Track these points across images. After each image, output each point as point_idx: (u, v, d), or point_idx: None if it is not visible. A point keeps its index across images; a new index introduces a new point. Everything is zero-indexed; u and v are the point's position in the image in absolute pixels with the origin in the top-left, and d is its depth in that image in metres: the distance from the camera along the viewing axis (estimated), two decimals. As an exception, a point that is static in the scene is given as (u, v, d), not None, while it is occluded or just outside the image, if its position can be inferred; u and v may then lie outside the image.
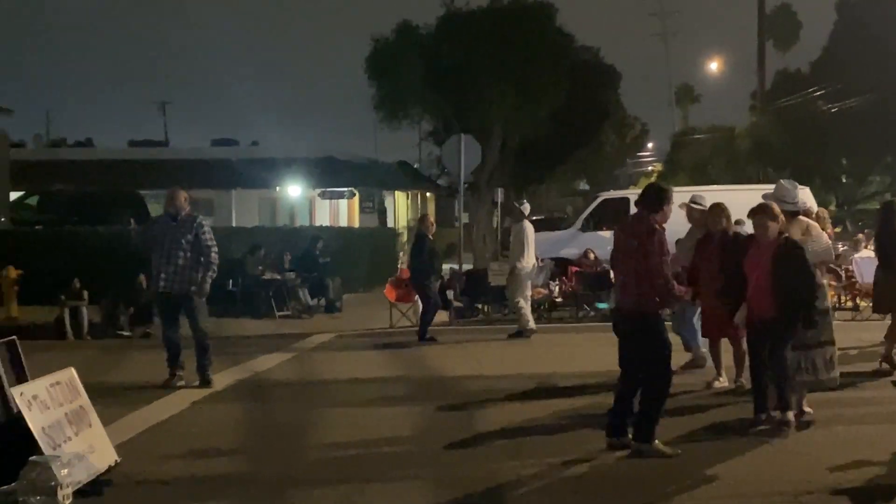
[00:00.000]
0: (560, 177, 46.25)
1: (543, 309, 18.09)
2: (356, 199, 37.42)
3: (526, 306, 15.37)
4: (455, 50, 28.31)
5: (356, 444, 8.44)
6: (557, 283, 19.13)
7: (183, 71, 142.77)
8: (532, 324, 15.31)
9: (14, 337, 9.16)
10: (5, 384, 8.43)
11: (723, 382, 10.31)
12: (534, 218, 15.55)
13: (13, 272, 17.01)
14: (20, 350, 9.08)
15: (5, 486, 6.56)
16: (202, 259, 10.93)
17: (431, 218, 16.50)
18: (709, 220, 10.19)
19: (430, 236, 15.38)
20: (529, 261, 15.31)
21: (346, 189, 36.54)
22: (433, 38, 30.13)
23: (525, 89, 28.43)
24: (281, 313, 18.72)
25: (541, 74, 28.76)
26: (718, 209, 10.13)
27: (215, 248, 11.04)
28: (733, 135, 44.86)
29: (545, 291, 18.56)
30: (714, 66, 64.21)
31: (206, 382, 10.98)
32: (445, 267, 19.18)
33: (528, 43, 28.50)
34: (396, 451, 8.18)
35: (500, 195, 34.65)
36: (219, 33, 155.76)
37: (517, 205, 16.16)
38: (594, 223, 22.73)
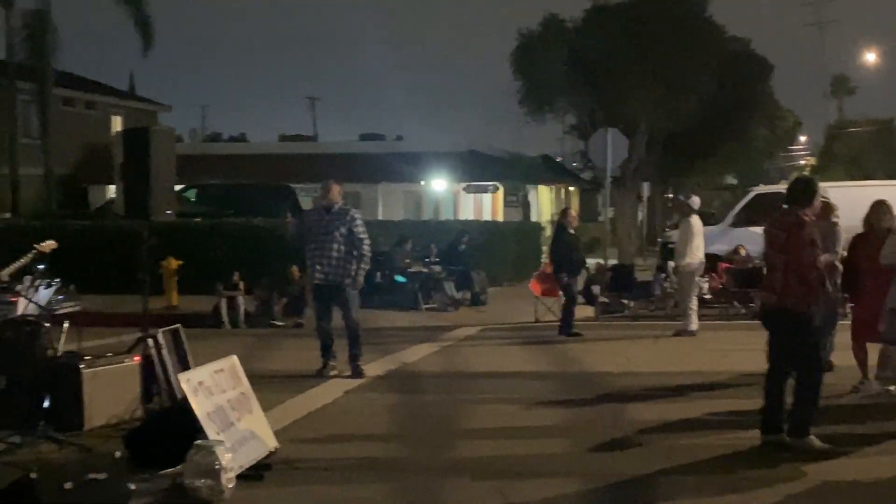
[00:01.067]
0: (707, 170, 45.32)
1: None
2: (500, 192, 37.54)
3: (694, 306, 15.03)
4: (602, 43, 28.06)
5: (504, 437, 8.50)
6: (707, 279, 18.78)
7: (332, 67, 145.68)
8: (695, 325, 14.92)
9: (179, 325, 9.59)
10: (171, 370, 8.84)
11: (875, 386, 9.90)
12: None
13: (174, 262, 17.69)
14: (183, 337, 9.50)
15: (171, 469, 6.86)
16: (355, 251, 11.15)
17: (574, 212, 16.37)
18: (872, 217, 9.86)
19: (572, 230, 15.31)
20: (696, 256, 14.95)
21: (490, 183, 36.70)
22: (580, 31, 29.96)
23: (673, 81, 27.99)
24: (427, 306, 18.94)
25: (689, 66, 28.26)
26: (884, 206, 9.81)
27: (367, 241, 11.25)
28: (891, 127, 43.17)
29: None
30: (871, 56, 61.88)
31: (357, 373, 11.21)
32: (591, 261, 19.06)
33: (676, 35, 28.05)
34: (544, 445, 8.19)
35: (646, 189, 34.25)
36: (366, 29, 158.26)
37: (683, 199, 15.85)
38: (746, 218, 22.20)
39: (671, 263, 18.50)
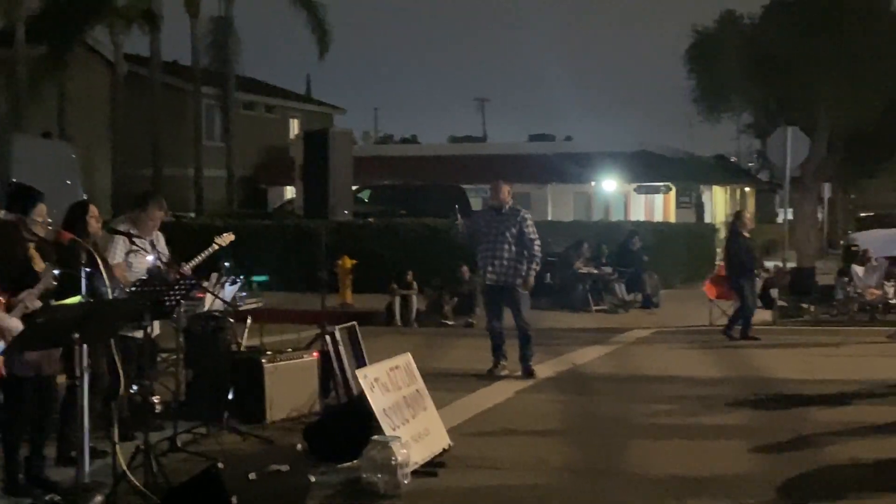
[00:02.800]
0: (893, 172, 43.29)
1: (878, 311, 17.08)
2: (672, 193, 36.89)
3: None
4: (781, 38, 27.16)
5: (676, 440, 8.34)
6: (893, 283, 17.95)
7: (501, 68, 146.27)
8: None
9: (354, 322, 9.80)
10: (347, 366, 9.03)
11: None
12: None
13: (348, 262, 18.10)
14: (359, 335, 9.71)
15: (349, 463, 7.01)
16: (525, 252, 11.14)
17: (748, 214, 15.89)
18: None
19: (746, 233, 14.89)
20: None
21: (661, 184, 36.11)
22: (758, 26, 29.11)
23: (857, 78, 26.85)
24: (597, 307, 18.78)
25: (873, 61, 27.05)
26: None
27: (538, 241, 11.23)
28: None
29: (879, 292, 17.48)
30: None
31: (528, 373, 11.20)
32: (769, 264, 18.49)
33: (860, 29, 26.90)
34: (718, 450, 7.99)
35: (826, 190, 33.00)
36: (536, 29, 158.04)
37: None
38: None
39: (856, 267, 17.79)
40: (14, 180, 12.87)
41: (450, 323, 16.82)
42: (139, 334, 7.12)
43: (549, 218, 32.12)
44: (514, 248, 11.14)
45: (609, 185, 36.52)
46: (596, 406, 10.03)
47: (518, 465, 7.51)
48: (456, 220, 11.66)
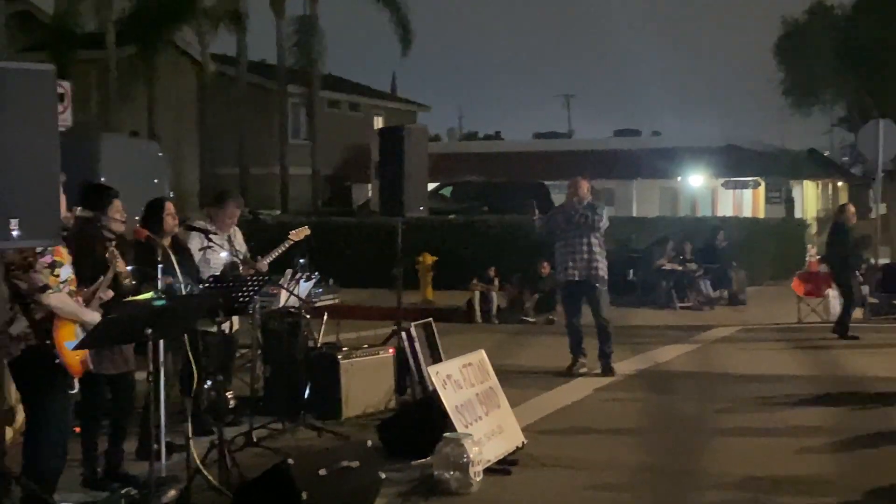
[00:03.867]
0: None
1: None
2: (761, 188, 36.20)
3: None
4: (874, 30, 26.46)
5: (759, 441, 8.16)
6: None
7: (587, 63, 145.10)
8: None
9: (430, 319, 9.78)
10: (422, 363, 9.02)
11: None
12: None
13: (429, 258, 18.10)
14: (435, 331, 9.68)
15: (421, 460, 6.99)
16: (602, 248, 11.01)
17: (853, 208, 15.43)
18: None
19: (850, 227, 14.49)
20: None
21: (750, 178, 35.45)
22: (850, 17, 28.41)
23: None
24: (681, 304, 18.48)
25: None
26: None
27: (604, 220, 11.11)
28: None
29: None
30: None
31: (608, 370, 11.06)
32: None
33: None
34: (802, 452, 7.78)
35: (921, 184, 31.99)
36: (621, 24, 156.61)
37: None
38: None
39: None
40: (97, 179, 13.10)
41: (530, 320, 16.71)
42: (226, 327, 7.24)
43: (634, 214, 31.76)
44: (593, 244, 11.02)
45: (696, 180, 35.98)
46: (675, 405, 9.86)
47: (593, 464, 7.41)
48: (533, 217, 11.57)
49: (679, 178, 36.33)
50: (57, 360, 5.68)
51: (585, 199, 11.20)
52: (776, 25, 29.40)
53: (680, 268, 19.07)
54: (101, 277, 6.17)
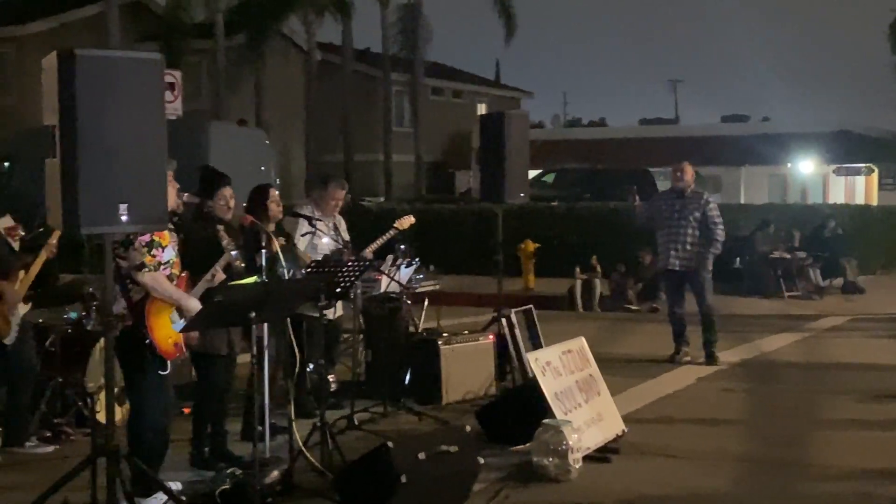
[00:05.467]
0: None
1: None
2: (874, 175, 35.15)
3: None
4: None
5: (867, 434, 7.93)
6: None
7: (695, 48, 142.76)
8: None
9: (531, 306, 9.76)
10: (522, 350, 9.01)
11: None
12: None
13: (531, 245, 18.05)
14: (536, 318, 9.66)
15: (520, 446, 6.99)
16: (708, 236, 10.82)
17: None
18: None
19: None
20: None
21: (863, 165, 34.46)
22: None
23: None
24: (789, 293, 18.07)
25: None
26: None
27: (722, 226, 10.89)
28: None
29: None
30: None
31: (711, 359, 10.89)
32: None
33: None
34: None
35: None
36: (730, 9, 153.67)
37: None
38: None
39: None
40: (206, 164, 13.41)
41: (633, 308, 16.55)
42: (328, 314, 7.35)
43: (742, 201, 31.16)
44: (697, 232, 10.84)
45: (806, 166, 35.14)
46: (781, 395, 9.67)
47: (695, 453, 7.31)
48: (634, 203, 11.43)
49: (789, 165, 35.52)
50: (147, 341, 5.82)
51: (690, 186, 11.02)
52: (891, 6, 28.46)
53: (788, 256, 18.65)
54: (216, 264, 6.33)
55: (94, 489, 5.34)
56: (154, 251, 5.89)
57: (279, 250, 6.68)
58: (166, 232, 5.96)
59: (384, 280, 8.78)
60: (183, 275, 6.08)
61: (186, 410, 7.12)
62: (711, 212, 10.85)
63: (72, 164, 4.98)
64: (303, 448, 6.55)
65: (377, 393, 8.36)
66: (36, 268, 7.21)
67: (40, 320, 7.98)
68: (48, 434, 7.46)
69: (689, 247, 10.84)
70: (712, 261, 10.94)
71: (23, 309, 7.24)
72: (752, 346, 12.36)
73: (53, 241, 7.10)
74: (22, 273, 7.21)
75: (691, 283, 11.00)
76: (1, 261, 7.13)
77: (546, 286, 17.47)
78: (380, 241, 8.64)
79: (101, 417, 7.02)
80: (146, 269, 5.82)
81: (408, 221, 8.96)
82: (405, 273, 8.90)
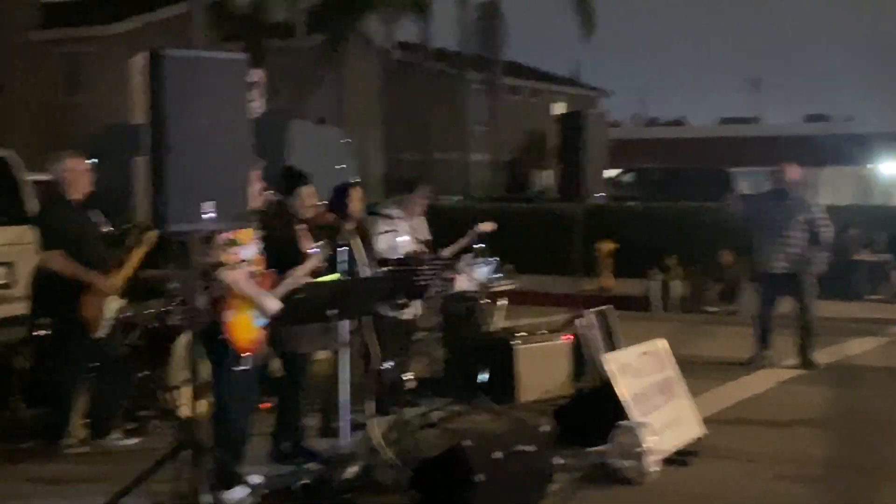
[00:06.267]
0: None
1: None
2: (964, 176, 34.32)
3: None
4: None
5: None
6: None
7: (777, 46, 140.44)
8: None
9: (609, 306, 9.70)
10: (600, 350, 8.96)
11: None
12: None
13: (608, 245, 17.92)
14: (613, 319, 9.60)
15: (597, 447, 6.96)
16: (812, 239, 10.60)
17: None
18: None
19: None
20: None
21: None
22: None
23: None
24: (873, 296, 17.68)
25: None
26: None
27: (829, 228, 10.66)
28: None
29: None
30: None
31: (810, 365, 10.65)
32: None
33: None
34: None
35: None
36: (813, 6, 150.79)
37: None
38: None
39: None
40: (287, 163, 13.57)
41: (712, 310, 16.33)
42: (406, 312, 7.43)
43: (825, 202, 30.56)
44: (802, 234, 10.61)
45: (890, 166, 34.41)
46: (866, 400, 9.48)
47: (775, 458, 7.22)
48: (728, 202, 11.24)
49: (873, 165, 34.82)
50: (224, 336, 5.91)
51: (796, 188, 10.80)
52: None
53: (872, 258, 18.26)
54: (297, 267, 6.42)
55: (177, 481, 5.45)
56: (233, 249, 5.99)
57: (359, 248, 6.74)
58: (247, 230, 6.06)
59: (461, 278, 8.80)
60: (268, 272, 6.18)
61: (265, 406, 7.22)
62: (817, 214, 10.64)
63: (160, 162, 5.10)
64: (380, 444, 6.60)
65: (453, 391, 8.40)
66: (134, 263, 7.37)
67: (128, 313, 8.15)
68: (132, 426, 7.63)
69: (793, 250, 10.60)
70: (822, 265, 10.71)
71: (117, 303, 7.39)
72: (835, 349, 12.12)
73: (150, 240, 7.22)
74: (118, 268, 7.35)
75: (793, 288, 10.72)
76: (97, 255, 7.30)
77: (623, 286, 17.33)
78: (459, 244, 8.68)
79: (185, 411, 7.17)
80: (224, 268, 5.93)
81: (488, 226, 8.98)
82: (482, 272, 8.91)
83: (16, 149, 10.83)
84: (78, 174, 7.29)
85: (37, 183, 9.87)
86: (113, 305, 7.32)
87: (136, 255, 7.33)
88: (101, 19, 30.27)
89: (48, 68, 30.19)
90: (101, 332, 7.26)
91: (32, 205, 9.24)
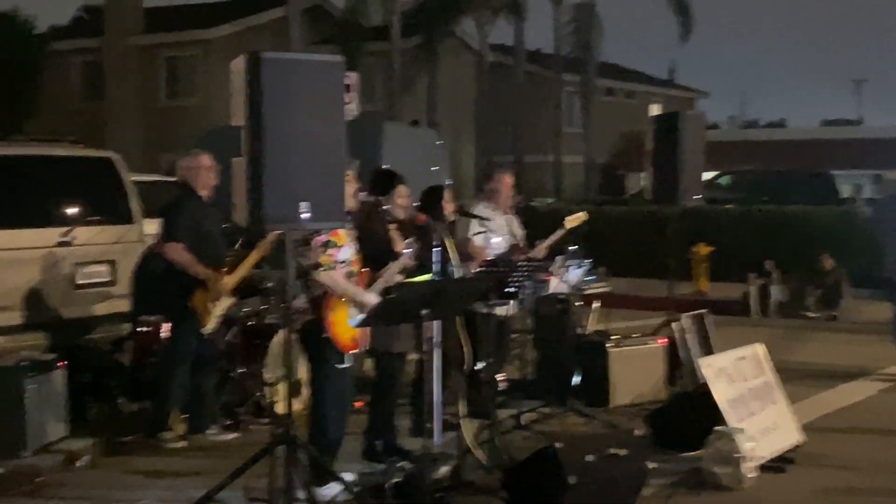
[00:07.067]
0: None
1: None
2: None
3: None
4: None
5: None
6: None
7: (881, 47, 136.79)
8: None
9: (704, 310, 9.57)
10: (694, 355, 8.85)
11: None
12: None
13: (704, 249, 17.67)
14: (709, 323, 9.47)
15: (691, 452, 6.87)
16: None
17: None
18: None
19: None
20: None
21: None
22: None
23: None
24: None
25: None
26: None
27: None
28: None
29: None
30: None
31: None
32: None
33: None
34: None
35: None
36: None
37: None
38: None
39: None
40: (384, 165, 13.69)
41: (811, 315, 15.99)
42: (499, 312, 7.44)
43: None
44: None
45: None
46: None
47: (876, 466, 7.04)
48: (861, 205, 10.92)
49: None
50: (325, 335, 5.99)
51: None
52: None
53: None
54: (391, 263, 6.48)
55: (272, 476, 5.53)
56: (330, 251, 6.07)
57: (452, 249, 6.76)
58: (343, 231, 6.13)
59: (554, 280, 8.76)
60: (363, 271, 6.26)
61: (358, 404, 7.29)
62: None
63: (258, 162, 5.20)
64: (471, 445, 6.61)
65: (545, 393, 8.37)
66: (249, 265, 7.51)
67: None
68: (229, 422, 7.77)
69: None
70: None
71: (228, 301, 7.54)
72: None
73: (269, 241, 7.35)
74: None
75: None
76: (217, 252, 7.46)
77: (719, 291, 17.08)
78: (552, 239, 8.64)
79: (280, 407, 7.29)
80: (323, 269, 6.01)
81: (579, 219, 8.91)
82: (575, 274, 8.86)
83: (121, 150, 11.15)
84: (204, 171, 7.48)
85: (139, 183, 10.12)
86: (224, 303, 7.46)
87: (253, 258, 7.48)
88: (202, 23, 30.90)
89: (151, 72, 30.95)
90: (209, 328, 7.41)
91: (136, 205, 9.48)
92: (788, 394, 7.74)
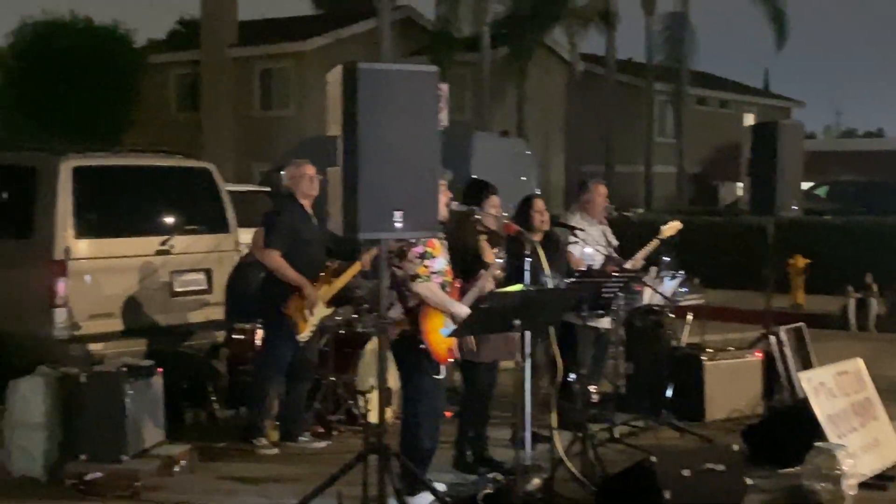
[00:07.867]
0: None
1: None
2: None
3: None
4: None
5: None
6: None
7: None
8: None
9: (802, 324, 9.36)
10: (792, 369, 8.65)
11: None
12: None
13: (801, 261, 17.31)
14: (806, 337, 9.26)
15: (790, 469, 6.71)
16: None
17: None
18: None
19: None
20: None
21: None
22: None
23: None
24: None
25: None
26: None
27: None
28: None
29: None
30: None
31: None
32: None
33: None
34: None
35: None
36: None
37: None
38: None
39: None
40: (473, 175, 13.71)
41: (908, 329, 15.54)
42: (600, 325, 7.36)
43: None
44: None
45: None
46: None
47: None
48: None
49: None
50: (422, 346, 6.00)
51: None
52: None
53: None
54: (482, 271, 6.47)
55: (365, 485, 5.55)
56: (427, 262, 6.09)
57: (543, 259, 6.72)
58: (437, 241, 6.15)
59: (647, 292, 8.66)
60: (456, 282, 6.26)
61: (448, 414, 7.29)
62: None
63: (353, 172, 5.23)
64: (564, 457, 6.55)
65: (638, 406, 8.26)
66: (347, 277, 7.58)
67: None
68: (321, 430, 7.83)
69: None
70: None
71: (325, 311, 7.62)
72: None
73: (369, 256, 7.40)
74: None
75: None
76: (316, 261, 7.55)
77: (817, 303, 16.70)
78: (646, 250, 8.55)
79: (372, 416, 7.32)
80: (420, 280, 6.02)
81: (674, 228, 8.80)
82: (669, 285, 8.74)
83: (216, 161, 11.33)
84: (307, 180, 7.57)
85: (232, 193, 10.27)
86: (320, 312, 7.53)
87: (352, 270, 7.54)
88: (295, 36, 31.32)
89: (245, 84, 31.47)
90: (304, 336, 7.48)
91: (231, 214, 9.63)
92: (890, 410, 7.51)
